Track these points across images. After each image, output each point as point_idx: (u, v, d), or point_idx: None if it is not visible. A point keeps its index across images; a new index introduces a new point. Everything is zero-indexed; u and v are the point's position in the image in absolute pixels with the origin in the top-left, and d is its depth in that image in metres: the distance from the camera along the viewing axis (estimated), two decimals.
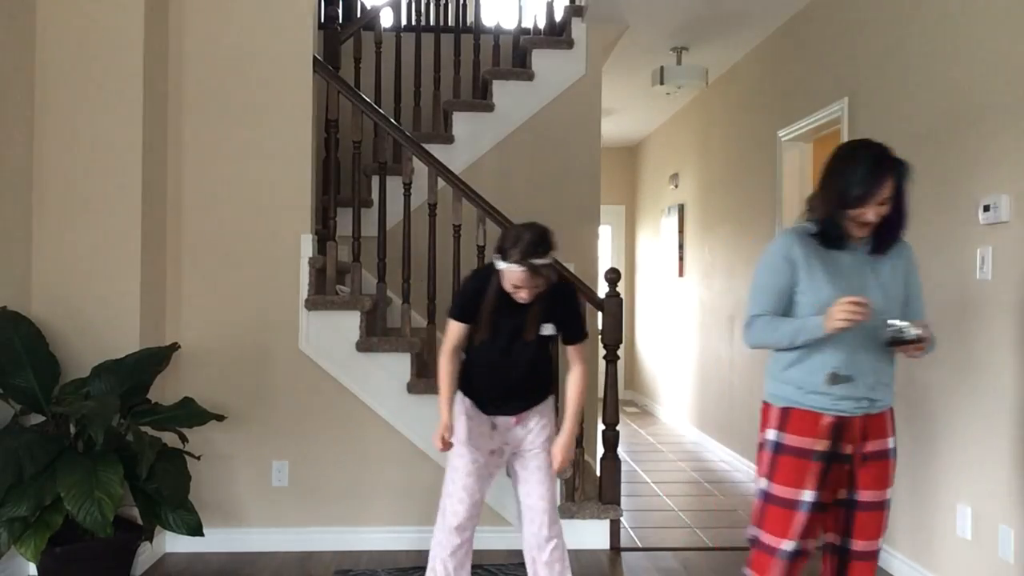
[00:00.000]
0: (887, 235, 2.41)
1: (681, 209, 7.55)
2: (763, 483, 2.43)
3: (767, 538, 2.40)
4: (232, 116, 3.97)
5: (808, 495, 2.36)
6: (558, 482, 4.02)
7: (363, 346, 3.99)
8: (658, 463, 6.12)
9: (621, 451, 4.50)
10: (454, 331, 2.85)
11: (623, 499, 4.20)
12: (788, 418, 2.41)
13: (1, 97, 3.44)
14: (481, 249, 4.11)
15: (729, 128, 6.22)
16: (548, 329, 2.81)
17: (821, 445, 2.37)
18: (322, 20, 4.80)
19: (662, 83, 5.63)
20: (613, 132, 8.50)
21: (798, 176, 5.08)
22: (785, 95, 5.11)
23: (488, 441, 2.90)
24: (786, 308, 2.45)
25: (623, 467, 4.25)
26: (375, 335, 4.13)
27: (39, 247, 3.67)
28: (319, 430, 4.00)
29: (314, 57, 4.03)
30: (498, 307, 2.75)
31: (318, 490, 4.01)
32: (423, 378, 4.05)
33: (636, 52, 5.72)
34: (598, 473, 4.17)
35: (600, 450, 4.12)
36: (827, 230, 2.38)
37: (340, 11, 4.91)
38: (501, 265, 2.66)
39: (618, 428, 4.05)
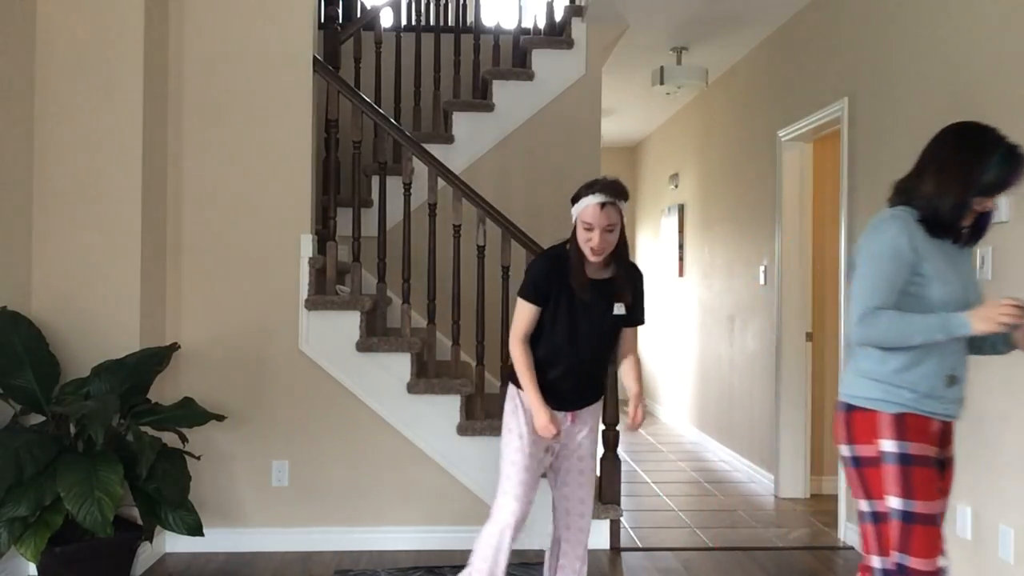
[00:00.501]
0: (982, 227, 2.27)
1: (681, 209, 7.55)
2: (897, 502, 2.18)
3: (920, 563, 2.17)
4: (232, 116, 3.97)
5: (940, 506, 2.22)
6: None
7: (363, 346, 3.99)
8: (658, 463, 6.12)
9: (621, 451, 4.50)
10: (525, 315, 2.75)
11: (623, 499, 4.20)
12: (905, 425, 2.20)
13: (1, 97, 3.44)
14: (481, 249, 4.11)
15: (729, 128, 6.22)
16: (620, 308, 2.76)
17: (933, 452, 2.22)
18: (322, 20, 4.80)
19: (662, 83, 5.63)
20: (613, 132, 8.50)
21: (798, 176, 5.08)
22: (785, 95, 5.11)
23: (543, 439, 2.82)
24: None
25: (623, 467, 4.25)
26: (375, 335, 4.13)
27: (39, 247, 3.67)
28: (319, 430, 4.00)
29: (314, 57, 4.04)
30: (582, 274, 2.70)
31: (318, 490, 4.01)
32: (423, 378, 4.05)
33: (636, 52, 5.72)
34: (598, 473, 4.17)
35: (600, 450, 4.11)
36: (946, 218, 2.19)
37: (340, 11, 4.90)
38: (575, 208, 2.66)
39: (618, 428, 4.05)
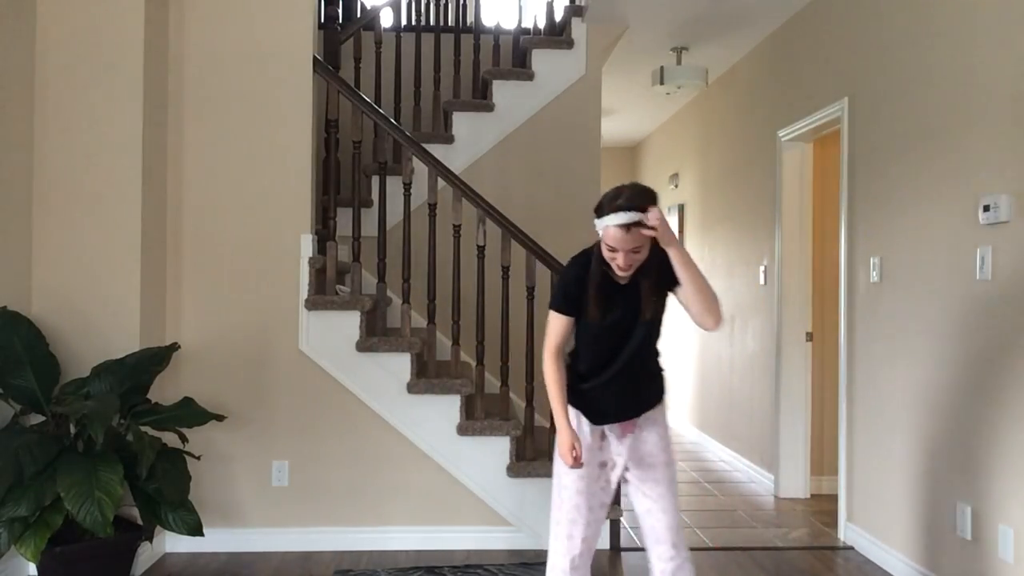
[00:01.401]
0: None
1: (681, 209, 7.55)
2: None
3: None
4: (232, 116, 3.97)
5: None
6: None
7: (363, 346, 3.99)
8: None
9: None
10: (557, 327, 2.52)
11: (623, 499, 4.20)
12: None
13: (1, 97, 3.44)
14: (481, 249, 4.11)
15: (729, 128, 6.22)
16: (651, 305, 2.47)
17: None
18: (322, 20, 4.80)
19: (662, 83, 5.63)
20: (613, 132, 8.50)
21: (798, 176, 5.08)
22: (785, 95, 5.11)
23: (597, 452, 2.56)
24: None
25: None
26: (375, 335, 4.13)
27: (39, 247, 3.67)
28: (319, 430, 4.00)
29: (314, 57, 4.04)
30: (603, 287, 2.45)
31: (318, 490, 4.01)
32: (423, 378, 4.05)
33: (636, 52, 5.72)
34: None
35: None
36: None
37: (340, 11, 4.90)
38: (598, 225, 2.41)
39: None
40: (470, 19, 5.37)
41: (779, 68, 5.23)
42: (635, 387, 2.55)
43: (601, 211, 2.40)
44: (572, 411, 2.57)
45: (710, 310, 2.43)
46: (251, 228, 3.98)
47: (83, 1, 3.67)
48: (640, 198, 2.35)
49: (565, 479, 2.54)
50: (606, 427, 2.57)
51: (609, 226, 2.35)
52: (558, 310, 2.54)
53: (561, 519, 2.53)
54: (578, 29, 5.10)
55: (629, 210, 2.32)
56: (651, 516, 2.55)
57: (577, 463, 2.47)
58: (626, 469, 2.58)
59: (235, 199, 3.98)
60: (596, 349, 2.53)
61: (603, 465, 2.57)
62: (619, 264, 2.40)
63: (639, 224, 2.32)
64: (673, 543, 2.54)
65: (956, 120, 3.34)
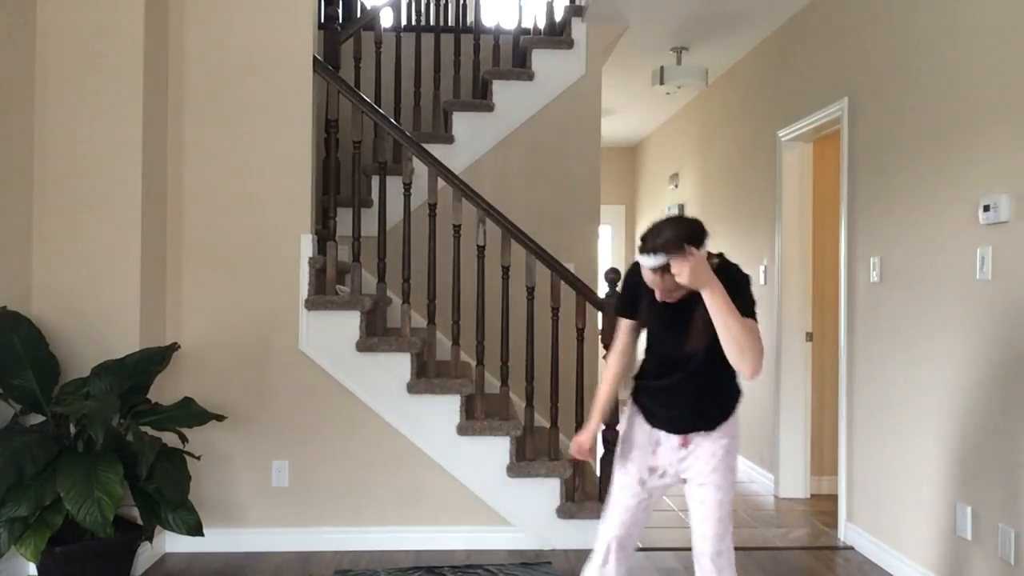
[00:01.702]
0: None
1: (681, 209, 7.54)
2: None
3: None
4: (232, 116, 3.97)
5: None
6: (560, 485, 4.03)
7: (363, 346, 3.99)
8: None
9: None
10: (619, 329, 2.63)
11: None
12: None
13: (1, 97, 3.44)
14: (481, 249, 4.11)
15: (729, 128, 6.22)
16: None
17: None
18: (322, 20, 4.80)
19: (662, 83, 5.63)
20: (613, 132, 8.50)
21: (798, 176, 5.08)
22: (785, 95, 5.11)
23: (650, 457, 2.54)
24: None
25: None
26: (375, 335, 4.13)
27: (39, 247, 3.67)
28: (319, 430, 4.00)
29: (314, 57, 4.04)
30: (653, 300, 2.42)
31: (318, 490, 4.01)
32: (423, 378, 4.05)
33: (636, 52, 5.72)
34: (598, 473, 4.18)
35: (600, 450, 4.12)
36: None
37: (340, 11, 4.90)
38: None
39: (618, 428, 4.04)
40: (470, 19, 5.37)
41: (779, 68, 5.23)
42: (690, 404, 2.50)
43: (643, 243, 2.32)
44: (635, 408, 2.60)
45: (743, 358, 2.30)
46: (251, 228, 3.98)
47: (83, 1, 3.68)
48: (676, 244, 2.25)
49: (614, 477, 2.61)
50: (662, 435, 2.54)
51: (645, 267, 2.31)
52: (617, 313, 2.64)
53: (604, 513, 2.62)
54: (578, 29, 5.10)
55: (659, 254, 2.25)
56: (695, 534, 2.57)
57: (582, 454, 2.59)
58: (683, 481, 2.57)
59: (235, 199, 3.98)
60: (655, 354, 2.57)
61: (652, 471, 2.55)
62: (661, 296, 2.38)
63: (670, 268, 2.25)
64: (705, 569, 2.55)
65: (956, 120, 3.34)
